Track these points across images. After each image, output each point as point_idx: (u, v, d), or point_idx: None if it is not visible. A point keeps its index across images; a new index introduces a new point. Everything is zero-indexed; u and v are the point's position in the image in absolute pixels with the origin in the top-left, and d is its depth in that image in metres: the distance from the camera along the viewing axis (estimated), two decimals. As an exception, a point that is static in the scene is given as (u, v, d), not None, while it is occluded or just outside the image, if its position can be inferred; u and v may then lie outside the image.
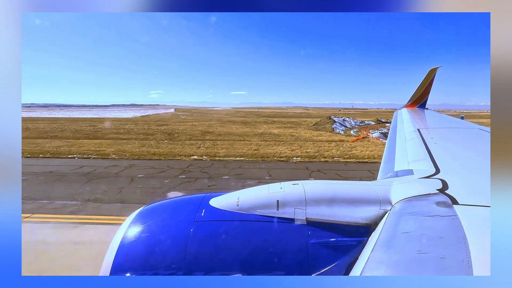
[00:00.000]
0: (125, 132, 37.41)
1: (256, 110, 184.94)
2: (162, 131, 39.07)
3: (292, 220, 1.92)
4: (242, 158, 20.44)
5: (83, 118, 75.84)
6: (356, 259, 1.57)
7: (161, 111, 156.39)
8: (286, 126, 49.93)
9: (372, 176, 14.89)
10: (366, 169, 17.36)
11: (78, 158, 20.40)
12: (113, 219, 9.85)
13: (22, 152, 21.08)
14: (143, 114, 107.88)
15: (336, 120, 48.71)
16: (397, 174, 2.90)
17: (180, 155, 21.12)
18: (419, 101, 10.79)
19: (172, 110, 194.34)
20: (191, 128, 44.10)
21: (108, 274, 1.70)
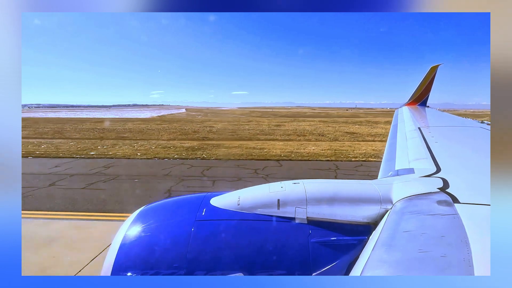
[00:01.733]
0: (244, 133, 35.59)
1: (271, 110, 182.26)
2: (294, 132, 37.38)
3: (293, 219, 1.91)
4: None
5: (122, 118, 72.88)
6: (357, 258, 1.57)
7: (174, 111, 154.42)
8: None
9: None
10: None
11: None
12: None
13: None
14: (159, 114, 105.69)
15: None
16: (398, 173, 2.89)
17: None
18: (420, 99, 10.75)
19: (183, 110, 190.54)
20: (306, 129, 41.99)
21: (109, 274, 1.70)
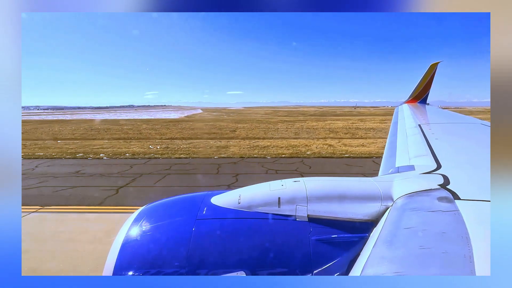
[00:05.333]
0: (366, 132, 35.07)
1: (278, 110, 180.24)
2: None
3: (293, 217, 1.91)
4: None
5: (173, 119, 71.58)
6: (358, 255, 1.57)
7: (192, 112, 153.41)
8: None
9: None
10: None
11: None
12: None
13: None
14: (186, 115, 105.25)
15: None
16: (398, 170, 2.89)
17: None
18: (420, 96, 10.73)
19: (199, 110, 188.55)
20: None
21: (111, 273, 1.70)
